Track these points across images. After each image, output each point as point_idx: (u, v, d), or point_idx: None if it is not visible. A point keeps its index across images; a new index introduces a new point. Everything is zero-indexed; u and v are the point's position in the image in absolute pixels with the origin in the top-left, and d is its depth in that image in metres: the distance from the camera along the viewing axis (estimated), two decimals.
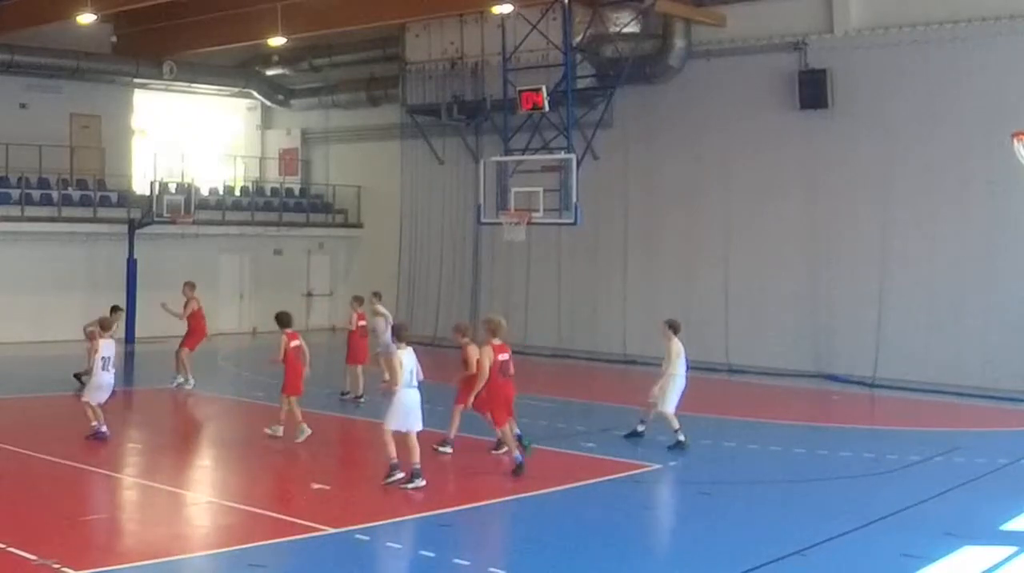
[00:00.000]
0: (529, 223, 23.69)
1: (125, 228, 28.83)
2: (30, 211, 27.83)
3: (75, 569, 9.31)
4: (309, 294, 33.60)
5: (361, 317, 19.86)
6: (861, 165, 23.56)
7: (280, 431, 15.71)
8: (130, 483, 13.46)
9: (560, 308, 28.26)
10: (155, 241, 29.16)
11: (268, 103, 35.36)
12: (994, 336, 21.55)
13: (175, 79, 32.13)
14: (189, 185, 29.67)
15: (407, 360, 12.77)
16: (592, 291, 27.76)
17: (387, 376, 13.10)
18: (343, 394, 19.82)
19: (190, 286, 21.01)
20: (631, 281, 27.17)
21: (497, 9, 24.75)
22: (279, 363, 15.83)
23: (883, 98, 23.15)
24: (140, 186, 30.82)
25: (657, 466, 14.48)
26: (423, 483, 12.64)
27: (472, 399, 14.43)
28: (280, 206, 33.13)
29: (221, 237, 31.29)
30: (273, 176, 35.16)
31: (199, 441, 17.01)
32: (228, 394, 21.19)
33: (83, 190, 29.38)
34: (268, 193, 33.95)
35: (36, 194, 28.36)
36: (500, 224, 24.49)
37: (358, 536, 10.98)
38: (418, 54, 29.78)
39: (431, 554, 10.42)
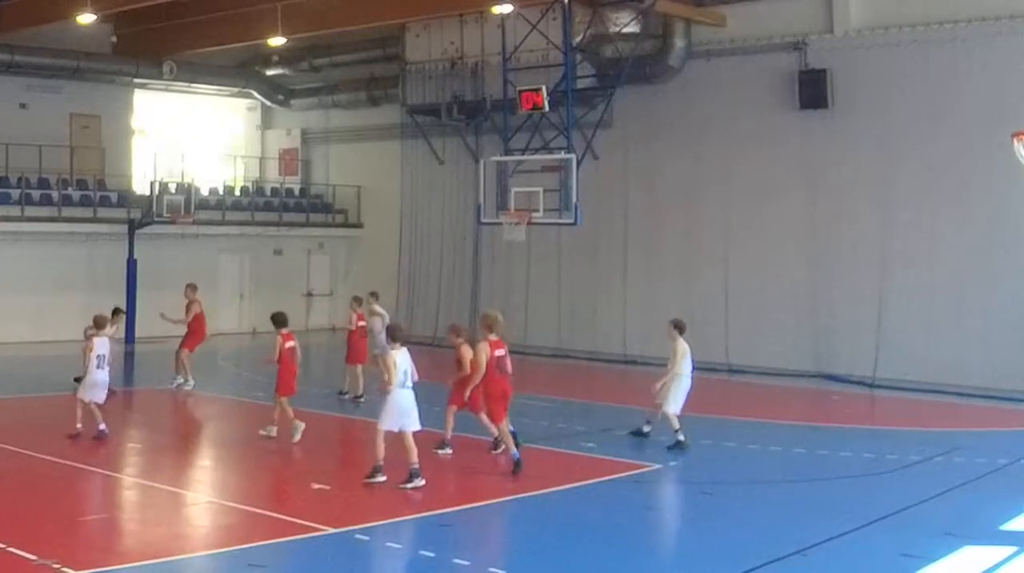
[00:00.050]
0: (529, 223, 23.69)
1: (125, 228, 28.84)
2: (30, 211, 27.84)
3: (75, 569, 9.31)
4: (309, 294, 33.62)
5: (361, 317, 19.90)
6: (861, 165, 23.56)
7: (274, 431, 15.73)
8: (130, 483, 13.45)
9: (560, 308, 28.25)
10: (155, 241, 29.16)
11: (268, 103, 35.36)
12: (994, 336, 21.55)
13: (175, 79, 32.13)
14: (189, 185, 29.68)
15: (401, 360, 12.76)
16: (592, 291, 27.75)
17: (386, 376, 13.10)
18: (342, 393, 19.86)
19: (192, 288, 20.95)
20: (631, 281, 27.16)
21: (497, 9, 24.75)
22: (275, 363, 15.85)
23: (883, 98, 23.15)
24: (140, 186, 30.82)
25: (657, 466, 14.48)
26: (422, 482, 12.64)
27: (467, 395, 14.41)
28: (280, 206, 33.13)
29: (221, 237, 31.30)
30: (273, 176, 35.16)
31: (199, 441, 17.01)
32: (228, 394, 21.19)
33: (83, 190, 29.39)
34: (268, 193, 33.94)
35: (36, 194, 28.36)
36: (500, 224, 24.49)
37: (358, 536, 10.98)
38: (418, 54, 29.79)
39: (431, 554, 10.41)
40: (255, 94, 34.86)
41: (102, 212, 29.10)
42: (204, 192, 31.86)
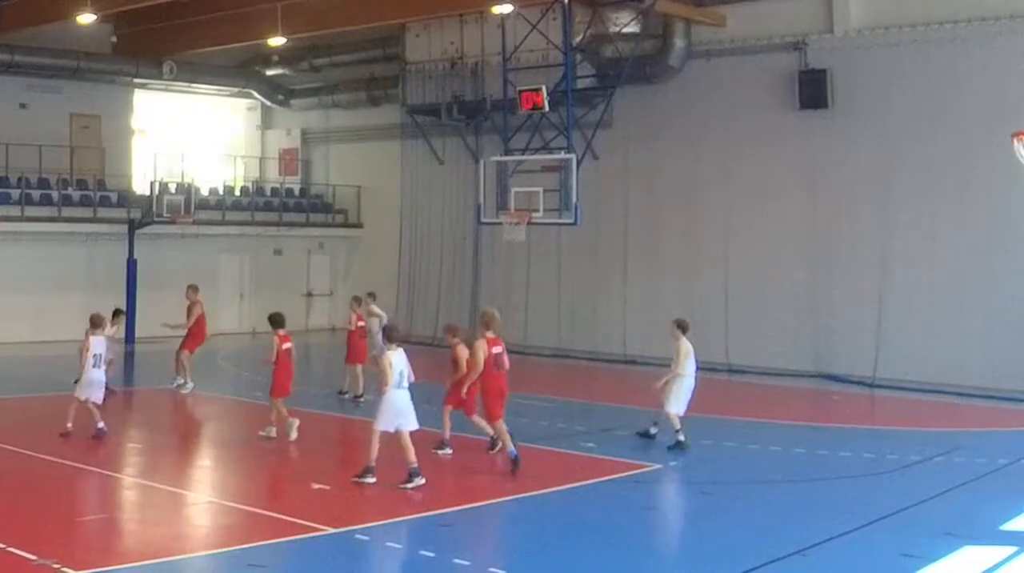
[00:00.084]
0: (529, 223, 23.68)
1: (125, 228, 28.84)
2: (30, 211, 27.84)
3: (75, 569, 9.31)
4: (309, 294, 33.63)
5: (360, 317, 19.92)
6: (861, 165, 23.56)
7: (273, 432, 15.74)
8: (130, 483, 13.45)
9: (560, 308, 28.25)
10: (155, 241, 29.16)
11: (268, 103, 35.36)
12: (994, 336, 21.55)
13: (175, 79, 32.14)
14: (189, 185, 29.68)
15: (397, 361, 12.77)
16: (592, 291, 27.75)
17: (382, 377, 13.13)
18: (342, 393, 19.87)
19: (193, 289, 20.88)
20: (631, 281, 27.16)
21: (497, 9, 24.75)
22: (272, 364, 15.85)
23: (883, 98, 23.15)
24: (140, 186, 30.82)
25: (657, 466, 14.48)
26: (422, 481, 12.64)
27: (465, 391, 14.42)
28: (280, 206, 33.13)
29: (221, 237, 31.30)
30: (273, 176, 35.16)
31: (199, 441, 17.01)
32: (228, 394, 21.18)
33: (83, 190, 29.39)
34: (268, 193, 33.94)
35: (36, 194, 28.37)
36: (500, 224, 24.49)
37: (358, 536, 10.99)
38: (418, 54, 29.79)
39: (431, 554, 10.41)
40: (255, 94, 34.86)
41: (102, 212, 29.10)
42: (204, 192, 31.86)
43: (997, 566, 10.34)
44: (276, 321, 15.98)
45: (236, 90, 34.65)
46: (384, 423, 12.76)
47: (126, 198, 29.78)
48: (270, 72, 34.21)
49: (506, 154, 25.29)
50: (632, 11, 25.44)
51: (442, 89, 29.08)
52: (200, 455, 15.87)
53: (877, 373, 22.92)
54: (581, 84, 25.77)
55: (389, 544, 10.85)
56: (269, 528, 11.24)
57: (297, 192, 34.58)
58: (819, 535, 11.08)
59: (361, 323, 19.83)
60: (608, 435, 16.76)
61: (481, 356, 13.79)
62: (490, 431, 14.58)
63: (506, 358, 14.13)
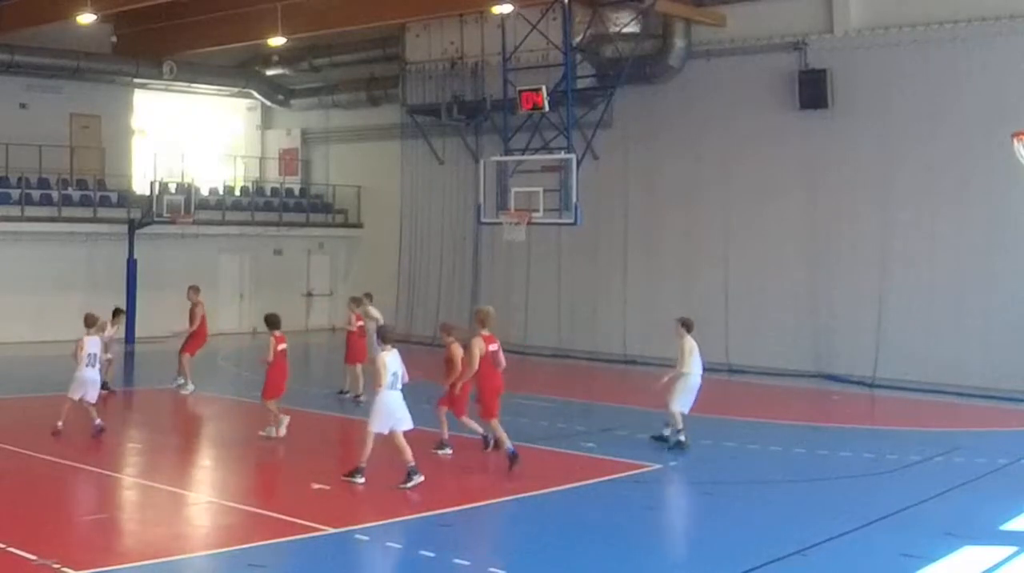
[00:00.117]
0: (529, 223, 23.68)
1: (125, 228, 28.84)
2: (30, 211, 27.84)
3: (75, 569, 9.31)
4: (309, 294, 33.64)
5: (359, 317, 19.92)
6: (861, 165, 23.56)
7: (273, 432, 15.76)
8: (130, 483, 13.45)
9: (560, 308, 28.25)
10: (155, 241, 29.16)
11: (268, 103, 35.36)
12: (994, 336, 21.54)
13: (175, 79, 32.14)
14: (189, 185, 29.68)
15: (391, 362, 12.78)
16: (592, 291, 27.74)
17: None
18: (342, 393, 19.88)
19: (195, 290, 20.78)
20: (631, 281, 27.15)
21: (497, 9, 24.75)
22: (268, 363, 15.86)
23: (883, 98, 23.14)
24: (140, 186, 30.82)
25: (657, 466, 14.47)
26: (421, 478, 12.65)
27: (459, 388, 14.41)
28: (280, 206, 33.13)
29: (221, 237, 31.30)
30: (273, 176, 35.16)
31: (199, 441, 17.02)
32: (228, 394, 21.18)
33: (83, 190, 29.39)
34: (268, 193, 33.94)
35: (36, 194, 28.36)
36: (500, 224, 24.48)
37: (358, 536, 10.99)
38: (418, 54, 29.79)
39: (431, 554, 10.41)
40: (255, 94, 34.86)
41: (102, 212, 29.10)
42: (204, 192, 31.87)
43: (997, 566, 10.34)
44: (272, 322, 16.01)
45: (236, 90, 34.65)
46: (378, 425, 12.77)
47: (126, 198, 29.78)
48: (270, 72, 34.21)
49: (506, 154, 25.28)
50: (632, 11, 25.44)
51: (442, 89, 29.08)
52: (200, 455, 15.88)
53: (877, 373, 22.91)
54: (581, 84, 25.77)
55: (389, 544, 10.85)
56: (269, 528, 11.24)
57: (297, 192, 34.58)
58: (819, 535, 11.08)
59: (360, 323, 19.84)
60: (608, 435, 16.76)
61: (477, 354, 13.82)
62: (479, 430, 14.61)
63: (502, 356, 14.16)
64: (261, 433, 15.79)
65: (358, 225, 34.11)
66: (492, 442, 14.42)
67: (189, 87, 33.45)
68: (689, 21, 25.86)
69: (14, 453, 14.35)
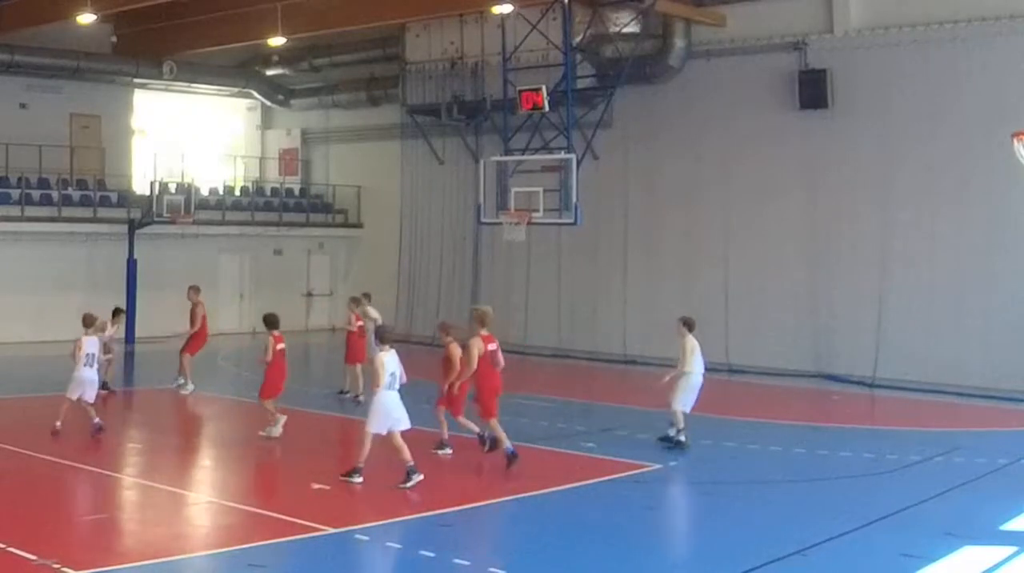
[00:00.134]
0: (529, 223, 23.68)
1: (125, 228, 28.84)
2: (30, 211, 27.84)
3: (75, 569, 9.31)
4: (309, 294, 33.64)
5: (359, 317, 19.93)
6: (861, 165, 23.56)
7: (274, 432, 15.75)
8: (130, 483, 13.45)
9: (560, 308, 28.25)
10: (155, 241, 29.17)
11: (268, 103, 35.37)
12: (994, 336, 21.54)
13: (175, 79, 32.14)
14: (189, 185, 29.68)
15: (389, 362, 12.77)
16: (592, 291, 27.74)
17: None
18: (342, 393, 19.89)
19: (195, 290, 20.75)
20: (631, 281, 27.15)
21: (497, 9, 24.75)
22: (267, 363, 15.86)
23: (883, 98, 23.14)
24: (140, 186, 30.82)
25: (657, 466, 14.46)
26: (420, 477, 12.65)
27: (456, 388, 14.42)
28: (280, 206, 33.13)
29: (221, 237, 31.31)
30: (273, 176, 35.16)
31: (199, 441, 17.02)
32: (228, 394, 21.18)
33: (83, 190, 29.39)
34: (268, 193, 33.94)
35: (36, 194, 28.36)
36: (500, 224, 24.48)
37: (358, 536, 10.99)
38: (418, 54, 29.79)
39: (431, 554, 10.40)
40: (255, 94, 34.86)
41: (102, 212, 29.10)
42: (204, 192, 31.87)
43: (997, 566, 10.34)
44: (271, 322, 16.01)
45: (236, 90, 34.65)
46: (376, 425, 12.77)
47: (126, 198, 29.78)
48: (270, 72, 34.21)
49: (506, 154, 25.28)
50: (632, 11, 25.44)
51: (442, 89, 29.08)
52: (200, 455, 15.88)
53: (877, 373, 22.91)
54: (581, 84, 25.77)
55: (389, 544, 10.84)
56: (269, 528, 11.23)
57: (297, 192, 34.58)
58: (819, 535, 11.08)
59: (360, 323, 19.85)
60: (608, 435, 16.76)
61: (476, 354, 13.81)
62: (476, 429, 14.61)
63: (501, 355, 14.16)
64: (261, 433, 15.79)
65: (358, 225, 34.11)
66: (489, 442, 14.40)
67: (189, 87, 33.45)
68: (689, 21, 25.86)
69: (14, 453, 14.34)
